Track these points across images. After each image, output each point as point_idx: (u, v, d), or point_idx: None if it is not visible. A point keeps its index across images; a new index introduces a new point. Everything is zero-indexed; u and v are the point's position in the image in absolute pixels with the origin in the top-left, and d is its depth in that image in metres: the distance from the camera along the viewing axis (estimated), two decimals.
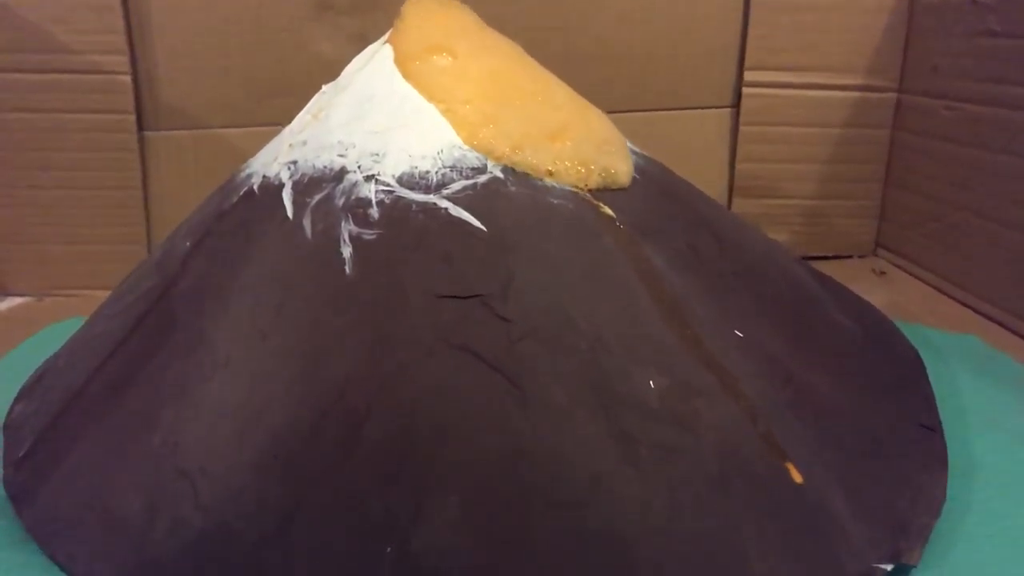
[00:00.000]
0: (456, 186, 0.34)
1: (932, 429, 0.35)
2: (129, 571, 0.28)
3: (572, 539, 0.27)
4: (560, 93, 0.39)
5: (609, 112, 0.60)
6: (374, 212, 0.34)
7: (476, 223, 0.33)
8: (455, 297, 0.31)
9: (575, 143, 0.35)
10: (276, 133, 0.59)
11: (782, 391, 0.32)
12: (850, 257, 0.63)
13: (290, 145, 0.38)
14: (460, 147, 0.35)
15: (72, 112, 0.57)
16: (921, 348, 0.46)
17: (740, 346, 0.33)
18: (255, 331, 0.32)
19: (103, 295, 0.59)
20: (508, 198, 0.34)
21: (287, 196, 0.36)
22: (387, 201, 0.34)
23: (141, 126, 0.58)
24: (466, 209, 0.34)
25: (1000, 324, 0.49)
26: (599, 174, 0.35)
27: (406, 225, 0.33)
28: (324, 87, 0.41)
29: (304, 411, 0.30)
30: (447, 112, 0.35)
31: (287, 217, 0.35)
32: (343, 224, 0.34)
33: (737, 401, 0.31)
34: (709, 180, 0.62)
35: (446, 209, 0.34)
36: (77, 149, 0.57)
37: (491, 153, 0.34)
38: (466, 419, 0.29)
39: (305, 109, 0.41)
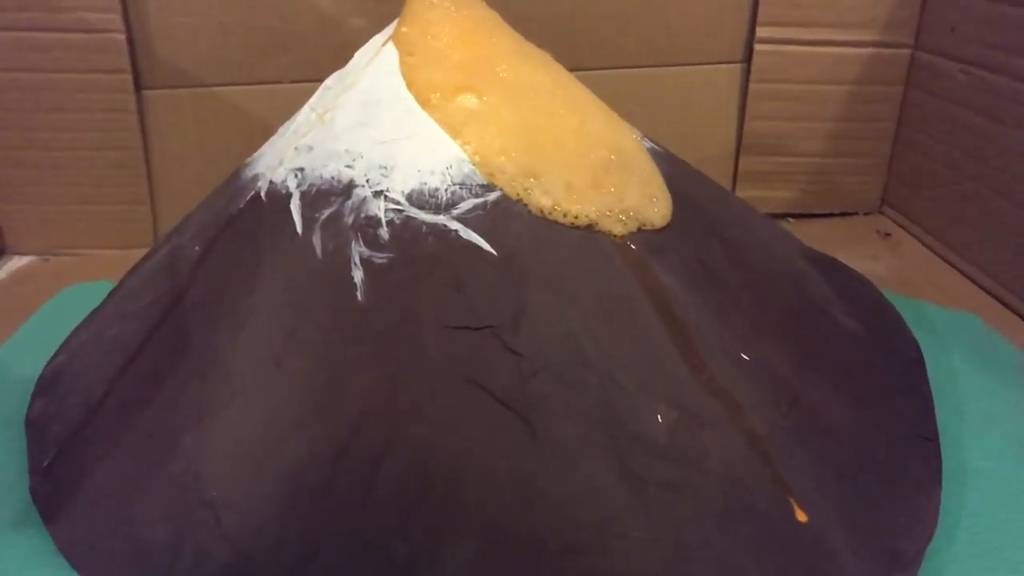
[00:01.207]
0: (466, 205, 0.34)
1: (929, 439, 0.36)
2: None
3: None
4: (599, 121, 0.37)
5: (618, 68, 0.59)
6: (384, 233, 0.34)
7: (486, 247, 0.33)
8: (467, 328, 0.32)
9: (618, 189, 0.34)
10: (276, 92, 0.58)
11: (786, 417, 0.33)
12: (855, 214, 0.63)
13: (295, 148, 0.38)
14: (468, 162, 0.35)
15: (66, 72, 0.55)
16: (921, 328, 0.47)
17: (746, 369, 0.33)
18: (269, 357, 0.33)
19: (107, 254, 0.60)
20: (518, 218, 0.34)
21: (295, 209, 0.36)
22: (397, 221, 0.34)
23: (138, 85, 0.57)
24: (476, 231, 0.34)
25: (1001, 302, 0.50)
26: (636, 221, 0.34)
27: (416, 249, 0.33)
28: (328, 81, 0.40)
29: (322, 446, 0.31)
30: (475, 155, 0.34)
31: (296, 233, 0.35)
32: (353, 245, 0.34)
33: (743, 432, 0.31)
34: (717, 137, 0.61)
35: (456, 232, 0.34)
36: (74, 109, 0.56)
37: (529, 205, 0.34)
38: (480, 460, 0.30)
39: (309, 105, 0.40)
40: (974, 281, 0.52)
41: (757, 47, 0.58)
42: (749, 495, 0.30)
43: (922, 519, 0.32)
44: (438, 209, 0.34)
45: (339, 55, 0.57)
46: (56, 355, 0.44)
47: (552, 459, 0.30)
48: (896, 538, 0.31)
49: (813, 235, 0.59)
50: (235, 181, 0.40)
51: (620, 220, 0.34)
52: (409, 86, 0.35)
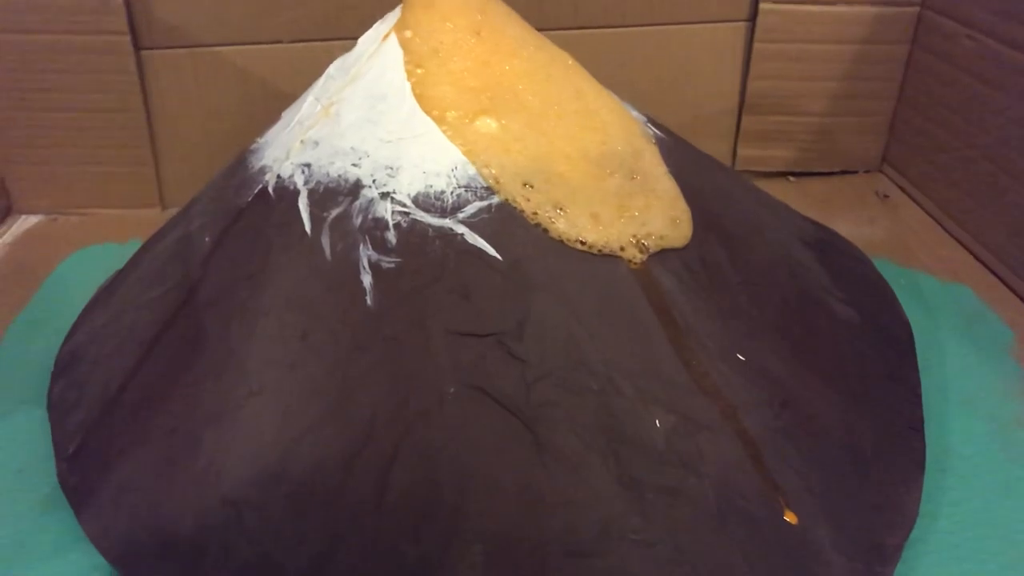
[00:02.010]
0: (471, 209, 0.35)
1: (915, 428, 0.38)
2: None
3: None
4: (618, 132, 0.37)
5: (622, 26, 0.58)
6: (391, 236, 0.35)
7: (492, 251, 0.34)
8: (473, 335, 0.33)
9: (642, 212, 0.34)
10: (276, 51, 0.58)
11: (778, 417, 0.34)
12: (856, 172, 0.63)
13: (302, 142, 0.38)
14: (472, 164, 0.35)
15: (64, 33, 0.55)
16: (914, 300, 0.48)
17: (742, 370, 0.35)
18: (283, 360, 0.34)
19: (114, 213, 0.61)
20: (522, 223, 0.35)
21: (303, 207, 0.36)
22: (404, 224, 0.35)
23: (137, 45, 0.56)
24: (481, 235, 0.34)
25: (995, 274, 0.50)
26: (659, 245, 0.35)
27: (424, 254, 0.34)
28: (331, 69, 0.40)
29: (335, 451, 0.32)
30: (495, 181, 0.34)
31: (305, 232, 0.36)
32: (361, 248, 0.35)
33: (737, 435, 0.33)
34: (720, 95, 0.61)
35: (462, 236, 0.34)
36: (74, 71, 0.56)
37: (550, 231, 0.34)
38: (486, 466, 0.31)
39: (314, 96, 0.40)
40: (969, 250, 0.53)
41: (762, 6, 0.57)
42: (742, 498, 0.32)
43: (903, 512, 0.34)
44: (444, 212, 0.35)
45: (339, 14, 0.57)
46: (72, 333, 0.45)
47: (555, 466, 0.31)
48: (878, 533, 0.33)
49: (813, 195, 0.61)
50: (242, 171, 0.41)
51: (642, 244, 0.34)
52: (419, 99, 0.35)
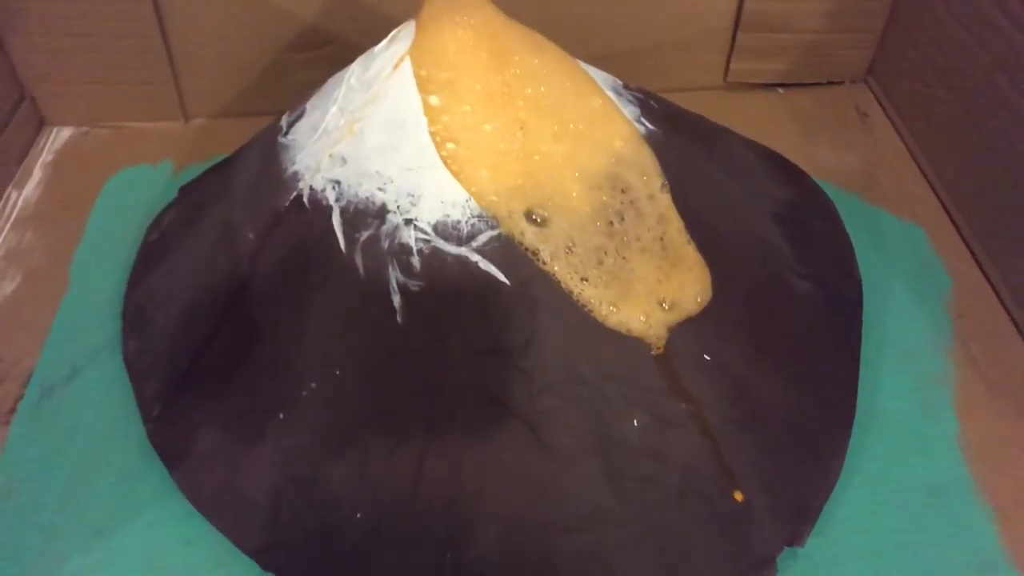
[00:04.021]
0: (483, 238, 0.40)
1: (850, 395, 0.45)
2: (265, 547, 0.40)
3: (576, 557, 0.39)
4: (647, 197, 0.41)
5: None
6: (415, 261, 0.41)
7: (501, 276, 0.40)
8: (488, 352, 0.40)
9: (676, 295, 0.39)
10: None
11: (734, 407, 0.42)
12: (842, 83, 0.66)
13: (330, 156, 0.43)
14: None
15: None
16: (872, 241, 0.54)
17: (708, 371, 0.42)
18: (330, 365, 0.41)
19: (139, 126, 0.64)
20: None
21: (337, 225, 0.42)
22: (426, 251, 0.41)
23: None
24: (492, 263, 0.40)
25: (950, 217, 0.56)
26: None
27: (443, 278, 0.40)
28: (351, 78, 0.43)
29: (376, 446, 0.40)
30: (544, 265, 0.39)
31: (340, 251, 0.42)
32: (390, 270, 0.41)
33: (699, 428, 0.41)
34: (716, 13, 0.62)
35: (476, 263, 0.40)
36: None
37: (593, 312, 0.40)
38: (499, 463, 0.39)
39: (337, 104, 0.43)
40: (932, 187, 0.58)
41: None
42: (700, 481, 0.40)
43: (827, 476, 0.43)
44: (460, 241, 0.40)
45: None
46: (133, 286, 0.51)
47: (554, 462, 0.39)
48: (805, 497, 0.42)
49: (798, 111, 0.64)
50: (275, 168, 0.45)
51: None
52: (453, 173, 0.40)
